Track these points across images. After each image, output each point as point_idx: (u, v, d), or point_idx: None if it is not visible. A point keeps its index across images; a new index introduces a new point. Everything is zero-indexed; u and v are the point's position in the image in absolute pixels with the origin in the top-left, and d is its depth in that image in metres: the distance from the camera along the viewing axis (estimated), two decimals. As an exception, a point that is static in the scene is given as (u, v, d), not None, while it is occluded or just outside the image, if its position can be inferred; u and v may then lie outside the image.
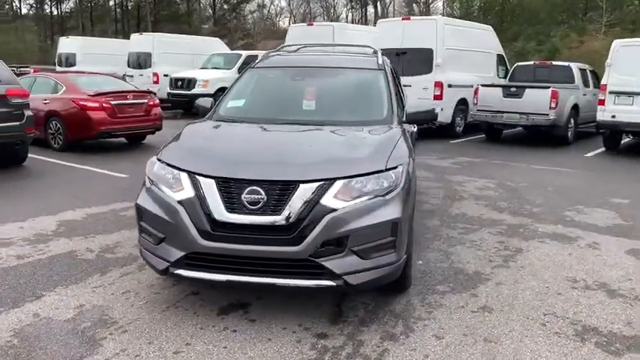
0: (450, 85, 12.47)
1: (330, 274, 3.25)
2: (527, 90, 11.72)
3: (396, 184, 3.46)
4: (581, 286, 4.19)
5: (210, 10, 55.29)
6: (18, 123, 8.17)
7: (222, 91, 18.22)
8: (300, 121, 4.27)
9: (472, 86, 12.56)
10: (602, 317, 3.66)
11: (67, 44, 24.45)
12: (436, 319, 3.60)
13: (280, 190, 3.27)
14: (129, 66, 20.58)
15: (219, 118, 4.48)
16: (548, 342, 3.32)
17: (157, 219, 3.47)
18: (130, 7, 54.10)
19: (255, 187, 3.27)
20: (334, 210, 3.24)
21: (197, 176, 3.40)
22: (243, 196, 3.27)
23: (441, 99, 12.35)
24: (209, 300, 3.83)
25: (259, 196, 3.26)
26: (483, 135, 13.18)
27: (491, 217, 6.13)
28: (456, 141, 12.69)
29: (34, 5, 54.06)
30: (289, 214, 3.22)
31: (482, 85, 12.36)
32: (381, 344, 3.26)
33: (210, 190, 3.33)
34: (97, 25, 52.77)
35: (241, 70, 17.40)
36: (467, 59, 13.00)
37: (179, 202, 3.38)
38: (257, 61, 5.22)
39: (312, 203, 3.24)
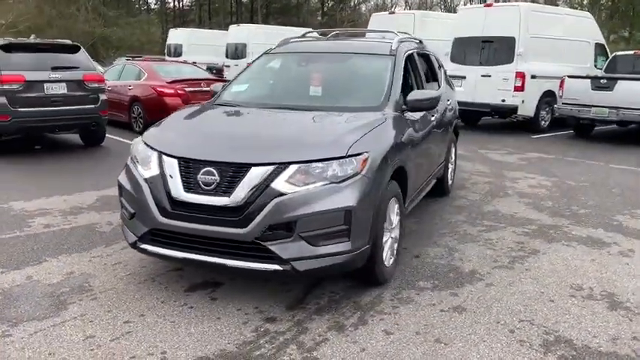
0: (533, 76, 11.67)
1: (277, 259, 3.23)
2: (619, 82, 10.66)
3: (356, 172, 3.34)
4: (583, 294, 3.79)
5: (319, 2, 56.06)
6: (93, 106, 8.90)
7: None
8: (291, 106, 4.25)
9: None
10: (585, 330, 3.30)
11: (175, 36, 26.07)
12: (398, 314, 3.44)
13: (233, 172, 3.30)
14: (227, 56, 21.50)
15: (219, 102, 4.58)
16: (505, 350, 3.06)
17: (130, 195, 3.64)
18: (244, 0, 56.33)
19: (209, 168, 3.33)
20: (283, 194, 3.21)
21: (163, 155, 3.52)
22: (198, 176, 3.34)
23: (523, 90, 11.61)
24: (186, 277, 3.96)
25: (213, 177, 3.31)
26: (572, 131, 12.21)
27: (526, 216, 5.70)
28: (538, 136, 11.86)
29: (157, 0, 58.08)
30: (238, 196, 3.24)
31: (569, 77, 11.42)
32: (324, 334, 3.19)
33: (172, 169, 3.44)
34: (214, 17, 55.59)
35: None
36: (556, 48, 12.06)
37: (145, 179, 3.53)
38: (275, 46, 5.26)
39: (263, 186, 3.23)
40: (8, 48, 8.35)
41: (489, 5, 12.01)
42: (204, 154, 3.40)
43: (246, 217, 3.22)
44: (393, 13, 14.40)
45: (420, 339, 3.15)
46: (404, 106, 4.32)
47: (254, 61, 5.14)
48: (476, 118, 13.54)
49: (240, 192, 3.24)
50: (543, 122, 12.42)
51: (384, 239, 3.77)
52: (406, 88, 4.58)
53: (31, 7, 38.10)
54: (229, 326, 3.26)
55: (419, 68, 5.21)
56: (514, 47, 11.51)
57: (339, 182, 3.29)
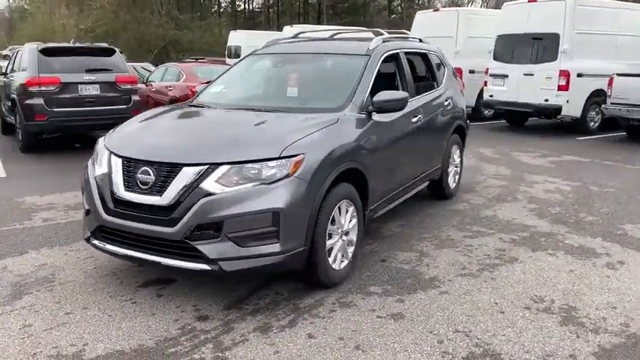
0: (579, 75, 11.03)
1: (204, 258, 3.28)
2: (672, 80, 9.89)
3: (287, 173, 3.33)
4: (539, 307, 3.57)
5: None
6: (125, 106, 9.32)
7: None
8: (256, 107, 4.29)
9: (613, 76, 10.95)
10: (522, 344, 3.11)
11: (235, 37, 26.69)
12: (331, 318, 3.39)
13: (166, 172, 3.38)
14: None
15: (193, 103, 4.70)
16: (422, 360, 2.95)
17: (85, 192, 3.81)
18: (311, 1, 56.87)
19: (146, 168, 3.43)
20: (212, 194, 3.25)
21: (112, 155, 3.66)
22: (137, 175, 3.45)
23: (567, 90, 11.01)
24: (145, 273, 4.09)
25: (149, 177, 3.40)
26: (624, 133, 11.43)
27: (524, 222, 5.42)
28: (584, 138, 11.21)
29: (228, 3, 59.74)
30: (169, 195, 3.32)
31: (618, 74, 10.70)
32: (246, 334, 3.20)
33: (117, 168, 3.57)
34: (282, 18, 56.43)
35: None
36: (607, 45, 11.35)
37: (95, 177, 3.69)
38: (261, 47, 5.31)
39: (193, 186, 3.29)
40: (47, 52, 8.91)
41: (534, 0, 11.46)
42: (143, 154, 3.50)
43: (176, 217, 3.29)
44: (437, 10, 14.03)
45: (340, 344, 3.10)
46: (370, 107, 4.24)
47: (238, 61, 5.20)
48: (521, 119, 12.99)
49: (172, 191, 3.32)
50: (592, 123, 11.73)
51: (331, 242, 3.73)
52: (384, 89, 4.48)
53: (109, 13, 40.30)
54: (159, 323, 3.34)
55: (404, 68, 5.07)
56: (558, 44, 10.94)
57: (269, 183, 3.29)
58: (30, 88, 8.65)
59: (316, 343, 3.11)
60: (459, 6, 48.96)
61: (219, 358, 2.96)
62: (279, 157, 3.35)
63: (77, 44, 9.77)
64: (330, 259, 3.74)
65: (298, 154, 3.40)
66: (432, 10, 14.67)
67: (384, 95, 4.26)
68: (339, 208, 3.78)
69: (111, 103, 9.14)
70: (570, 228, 5.24)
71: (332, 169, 3.61)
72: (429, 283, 3.94)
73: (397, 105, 4.27)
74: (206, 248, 3.26)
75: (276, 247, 3.30)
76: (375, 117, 4.31)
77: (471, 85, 13.00)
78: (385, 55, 4.79)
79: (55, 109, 8.66)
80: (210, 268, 3.28)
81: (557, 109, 11.18)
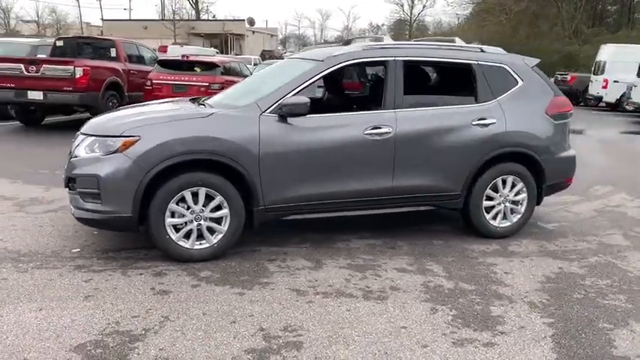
0: None
1: (71, 204, 4.37)
2: None
3: (117, 149, 4.07)
4: (242, 334, 3.25)
5: None
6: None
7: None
8: (206, 103, 4.94)
9: None
10: (189, 348, 3.08)
11: (604, 52, 23.63)
12: (124, 279, 3.97)
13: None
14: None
15: (194, 99, 5.57)
16: (91, 320, 3.34)
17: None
18: None
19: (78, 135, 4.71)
20: (77, 156, 4.31)
21: (81, 131, 5.06)
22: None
23: None
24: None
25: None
26: None
27: (509, 282, 4.23)
28: None
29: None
30: (72, 152, 4.50)
31: None
32: (60, 267, 4.12)
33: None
34: None
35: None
36: None
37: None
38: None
39: (75, 148, 4.40)
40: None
41: None
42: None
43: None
44: None
45: (78, 291, 3.72)
46: (280, 110, 4.36)
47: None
48: None
49: (73, 150, 4.49)
50: None
51: (177, 221, 4.21)
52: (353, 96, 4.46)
53: (507, 28, 41.28)
54: (50, 244, 4.60)
55: (391, 77, 4.68)
56: None
57: (104, 155, 4.13)
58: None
59: (68, 284, 3.84)
60: None
61: (21, 269, 4.07)
62: (119, 136, 4.12)
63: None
64: (176, 236, 4.23)
65: (132, 136, 4.09)
66: None
67: (287, 100, 4.32)
68: (195, 194, 4.20)
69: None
70: (559, 304, 3.86)
71: (172, 155, 4.08)
72: (249, 285, 3.93)
73: (295, 109, 4.28)
74: (71, 197, 4.35)
75: (99, 207, 4.13)
76: (293, 120, 4.37)
77: None
78: (348, 62, 4.66)
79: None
80: (72, 213, 4.36)
81: None
